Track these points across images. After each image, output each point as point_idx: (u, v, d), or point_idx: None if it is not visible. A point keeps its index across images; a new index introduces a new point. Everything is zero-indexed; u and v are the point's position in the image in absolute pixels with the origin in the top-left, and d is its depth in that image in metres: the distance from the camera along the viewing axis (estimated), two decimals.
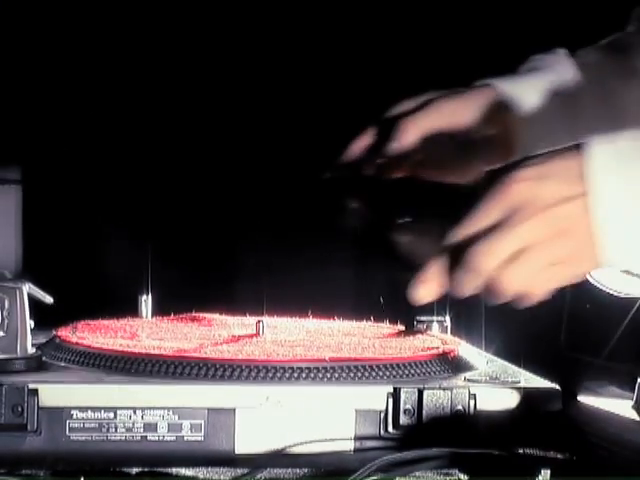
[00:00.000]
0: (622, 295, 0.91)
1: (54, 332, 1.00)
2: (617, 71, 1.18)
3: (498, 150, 1.06)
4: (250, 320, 1.12)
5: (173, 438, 0.82)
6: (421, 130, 1.04)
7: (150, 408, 0.82)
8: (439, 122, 1.05)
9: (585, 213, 0.79)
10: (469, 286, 0.81)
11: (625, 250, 0.79)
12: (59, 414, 0.81)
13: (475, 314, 1.22)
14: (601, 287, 0.90)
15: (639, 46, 1.20)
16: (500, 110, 1.10)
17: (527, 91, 1.14)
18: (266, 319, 1.05)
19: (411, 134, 1.04)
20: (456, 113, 1.06)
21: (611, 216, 0.79)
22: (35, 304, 0.88)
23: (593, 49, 1.21)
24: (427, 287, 0.82)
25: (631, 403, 0.86)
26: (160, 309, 1.25)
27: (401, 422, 0.83)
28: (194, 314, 1.17)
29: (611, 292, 0.90)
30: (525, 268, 0.79)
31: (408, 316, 1.13)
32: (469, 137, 1.07)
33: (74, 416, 0.81)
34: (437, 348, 0.96)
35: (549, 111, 1.12)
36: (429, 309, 1.12)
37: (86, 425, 0.81)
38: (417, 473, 0.78)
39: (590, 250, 0.80)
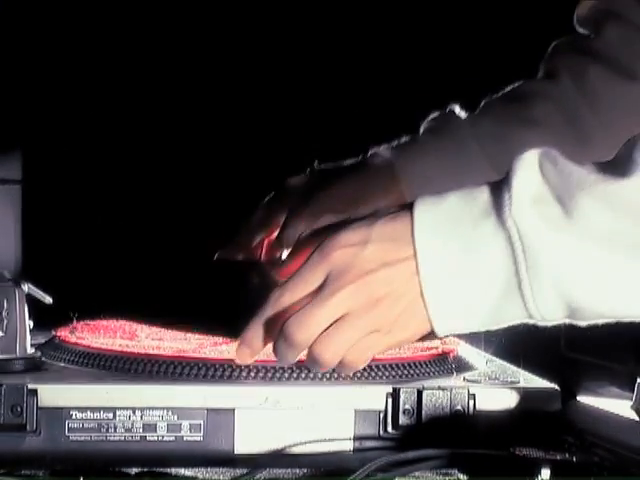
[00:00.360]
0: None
1: (53, 332, 1.00)
2: (514, 121, 1.18)
3: None
4: None
5: (172, 438, 0.82)
6: (312, 219, 1.05)
7: (149, 408, 0.82)
8: (331, 209, 1.06)
9: (411, 276, 0.77)
10: (287, 357, 0.80)
11: (453, 313, 0.78)
12: (58, 414, 0.81)
13: None
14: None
15: (539, 95, 1.20)
16: (392, 182, 1.11)
17: (419, 158, 1.15)
18: None
19: (302, 227, 1.05)
20: (349, 196, 1.07)
21: (437, 279, 0.76)
22: (34, 304, 0.88)
23: (494, 100, 1.21)
24: (248, 351, 0.81)
25: (630, 403, 0.85)
26: None
27: (400, 422, 0.83)
28: None
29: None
30: (339, 339, 0.77)
31: None
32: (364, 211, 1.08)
33: (73, 416, 0.81)
34: (436, 348, 0.96)
35: (442, 174, 1.13)
36: None
37: (85, 425, 0.81)
38: (416, 473, 0.78)
39: (417, 315, 0.78)
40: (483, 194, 0.78)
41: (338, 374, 0.82)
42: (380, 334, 0.79)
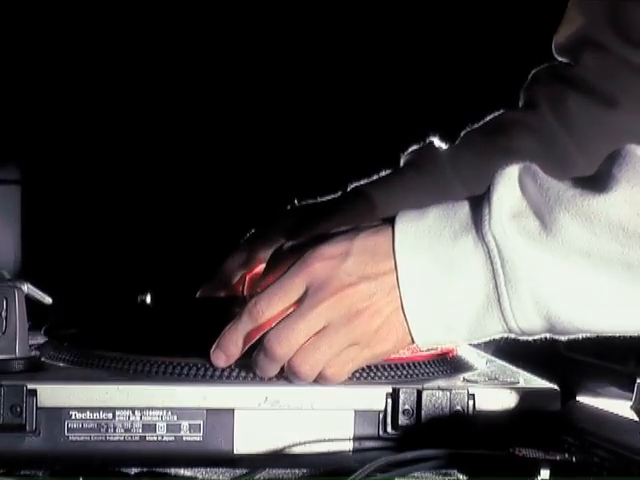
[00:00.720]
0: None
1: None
2: (495, 153, 1.18)
3: None
4: None
5: (172, 438, 0.82)
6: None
7: (149, 408, 0.82)
8: None
9: (391, 290, 0.77)
10: (268, 371, 0.80)
11: (433, 328, 0.78)
12: (58, 414, 0.81)
13: None
14: None
15: (519, 125, 1.21)
16: (374, 220, 1.12)
17: (401, 196, 1.15)
18: None
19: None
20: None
21: (417, 294, 0.77)
22: (34, 304, 0.88)
23: (474, 131, 1.21)
24: (223, 356, 0.82)
25: (630, 404, 0.85)
26: None
27: (400, 422, 0.83)
28: None
29: None
30: (317, 352, 0.78)
31: None
32: None
33: (73, 416, 0.81)
34: (436, 348, 0.96)
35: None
36: None
37: (85, 425, 0.81)
38: (416, 473, 0.78)
39: (397, 328, 0.79)
40: (464, 208, 0.78)
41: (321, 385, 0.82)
42: (359, 347, 0.79)
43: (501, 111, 1.24)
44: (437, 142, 1.21)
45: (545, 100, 1.23)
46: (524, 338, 0.80)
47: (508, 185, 0.77)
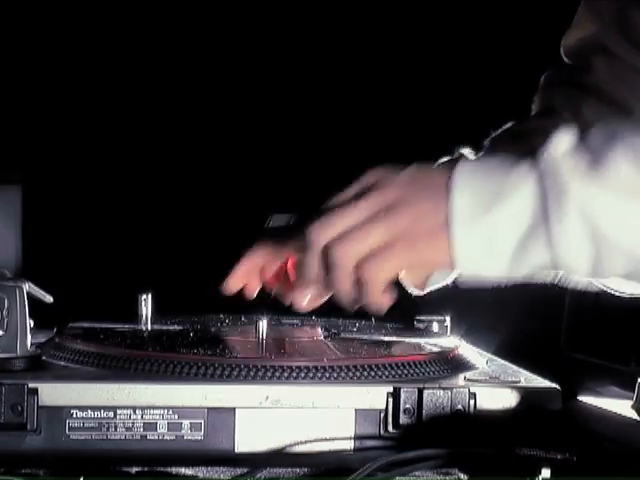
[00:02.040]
0: (626, 295, 0.90)
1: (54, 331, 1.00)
2: None
3: None
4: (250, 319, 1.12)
5: (173, 437, 0.82)
6: None
7: (150, 407, 0.82)
8: None
9: (440, 202, 0.79)
10: (310, 267, 0.82)
11: (477, 246, 0.78)
12: (59, 413, 0.81)
13: (475, 313, 1.22)
14: (605, 288, 0.89)
15: (537, 132, 1.21)
16: None
17: None
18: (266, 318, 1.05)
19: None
20: None
21: (466, 209, 0.78)
22: (35, 303, 0.88)
23: (498, 139, 1.21)
24: (237, 281, 0.83)
25: (631, 403, 0.85)
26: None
27: (401, 422, 0.83)
28: None
29: (614, 293, 0.90)
30: (358, 239, 0.80)
31: (408, 315, 1.12)
32: None
33: (74, 415, 0.81)
34: (436, 347, 0.96)
35: None
36: (429, 308, 1.12)
37: (86, 424, 0.81)
38: (417, 473, 0.78)
39: (439, 241, 0.79)
40: (524, 151, 0.80)
41: (355, 306, 0.83)
42: (399, 247, 0.79)
43: (520, 119, 1.24)
44: (467, 153, 1.21)
45: (562, 106, 1.23)
46: (566, 271, 0.79)
47: (566, 132, 0.80)
